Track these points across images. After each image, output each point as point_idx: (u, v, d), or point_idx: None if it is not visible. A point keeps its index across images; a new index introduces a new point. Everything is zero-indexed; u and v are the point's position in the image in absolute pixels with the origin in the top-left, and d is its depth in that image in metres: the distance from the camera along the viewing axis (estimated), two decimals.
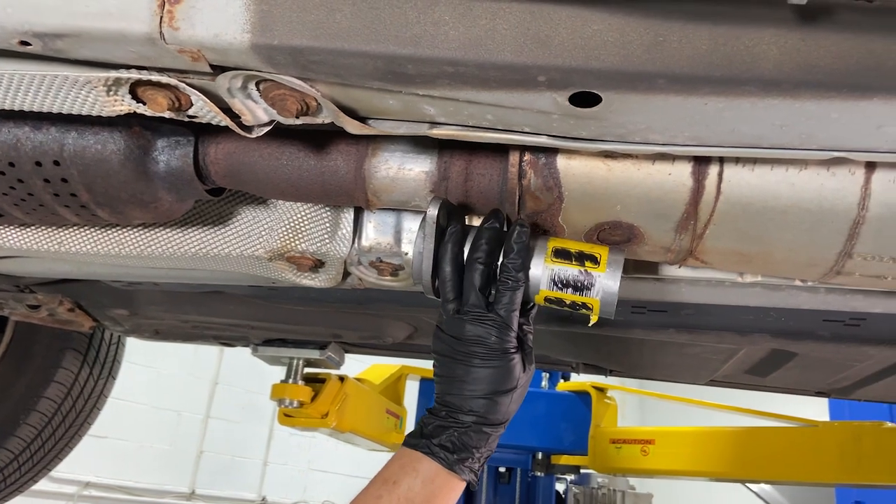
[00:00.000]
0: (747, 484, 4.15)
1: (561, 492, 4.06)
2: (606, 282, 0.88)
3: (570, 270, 0.89)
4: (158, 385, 6.60)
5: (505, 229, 0.92)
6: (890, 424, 2.67)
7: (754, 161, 0.77)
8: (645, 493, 4.24)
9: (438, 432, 0.90)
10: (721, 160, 0.78)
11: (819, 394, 1.76)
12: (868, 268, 0.86)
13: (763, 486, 4.72)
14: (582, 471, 3.85)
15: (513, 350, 0.90)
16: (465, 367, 0.89)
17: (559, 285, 0.89)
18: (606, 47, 0.61)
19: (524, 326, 0.95)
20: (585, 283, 0.88)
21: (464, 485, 0.91)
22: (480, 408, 0.89)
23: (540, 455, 3.59)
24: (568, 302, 0.90)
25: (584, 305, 0.90)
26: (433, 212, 0.89)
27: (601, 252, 0.89)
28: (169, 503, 6.91)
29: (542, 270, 0.90)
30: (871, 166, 0.76)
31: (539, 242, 0.91)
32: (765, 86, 0.62)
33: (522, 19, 0.61)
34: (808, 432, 2.80)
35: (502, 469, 3.67)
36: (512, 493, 3.63)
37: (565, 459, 3.57)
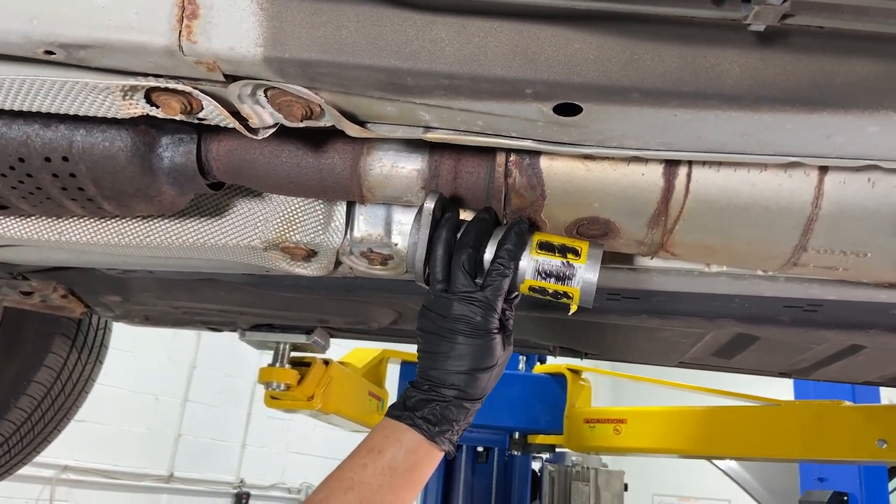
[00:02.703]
0: (714, 461, 4.30)
1: (537, 470, 4.18)
2: (586, 273, 0.95)
3: (554, 262, 0.96)
4: (136, 369, 6.59)
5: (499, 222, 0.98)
6: (848, 403, 2.80)
7: (719, 164, 0.84)
8: (617, 471, 4.38)
9: (421, 405, 0.95)
10: (689, 163, 0.85)
11: (781, 374, 1.85)
12: (821, 260, 0.94)
13: (729, 463, 4.89)
14: (557, 449, 3.96)
15: (495, 330, 0.96)
16: (449, 344, 0.95)
17: (543, 275, 0.96)
18: (587, 64, 0.68)
19: (507, 312, 1.01)
20: (567, 273, 0.95)
21: (442, 454, 0.97)
22: (461, 382, 0.95)
23: (517, 435, 3.68)
24: (550, 291, 0.97)
25: (565, 294, 0.97)
26: (430, 204, 0.95)
27: (582, 245, 0.96)
28: (148, 486, 6.93)
29: (527, 261, 0.96)
30: (823, 169, 0.84)
31: (527, 235, 0.98)
32: (727, 100, 0.69)
33: (512, 37, 0.68)
34: (771, 411, 2.93)
35: (480, 448, 3.76)
36: (490, 472, 3.73)
37: (541, 439, 3.67)
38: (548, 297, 0.99)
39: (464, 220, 0.99)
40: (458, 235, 0.97)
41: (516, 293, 1.01)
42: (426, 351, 0.98)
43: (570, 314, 1.03)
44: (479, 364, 0.95)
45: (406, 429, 0.94)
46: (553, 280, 0.96)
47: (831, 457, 2.80)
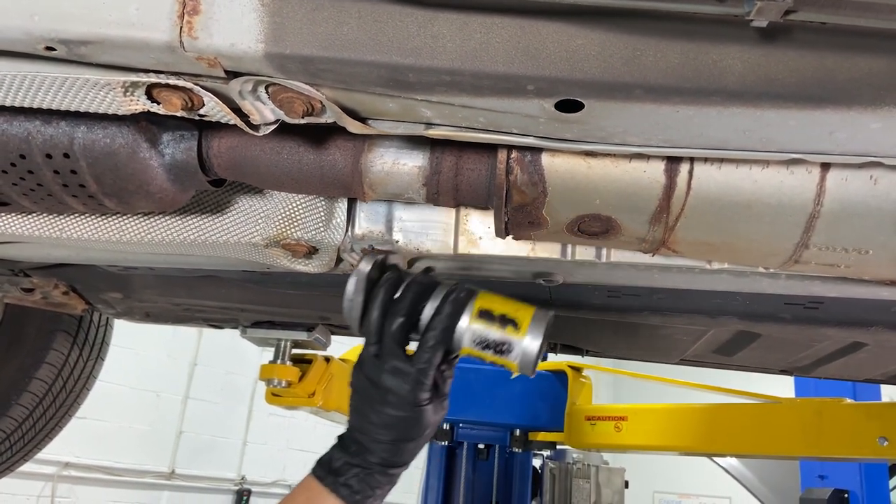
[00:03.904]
0: (714, 458, 4.30)
1: (538, 467, 4.18)
2: (525, 347, 0.93)
3: (492, 333, 0.93)
4: (138, 366, 6.60)
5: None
6: (849, 401, 2.80)
7: (721, 161, 0.84)
8: (618, 468, 4.38)
9: (345, 470, 0.96)
10: (691, 160, 0.84)
11: (782, 372, 1.85)
12: (823, 257, 0.94)
13: (730, 460, 4.90)
14: (558, 447, 3.96)
15: (425, 402, 0.95)
16: (377, 413, 0.94)
17: (480, 345, 0.94)
18: (589, 60, 0.68)
19: (444, 373, 0.99)
20: (504, 347, 0.93)
21: None
22: (386, 452, 0.95)
23: (518, 432, 3.68)
24: (488, 360, 0.95)
25: (503, 365, 0.95)
26: (365, 267, 0.96)
27: (524, 315, 0.94)
28: (149, 482, 6.94)
29: (465, 329, 0.94)
30: (825, 166, 0.83)
31: (468, 300, 0.96)
32: (729, 96, 0.68)
33: (514, 34, 0.67)
34: (772, 408, 2.93)
35: (481, 446, 3.76)
36: (490, 469, 3.73)
37: (542, 436, 3.67)
38: (488, 362, 0.97)
39: (407, 274, 0.98)
40: (395, 297, 0.96)
41: (455, 355, 0.99)
42: (356, 409, 0.98)
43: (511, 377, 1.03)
44: (406, 435, 0.96)
45: (328, 494, 0.96)
46: (490, 351, 0.94)
47: (832, 454, 2.80)
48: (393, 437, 0.95)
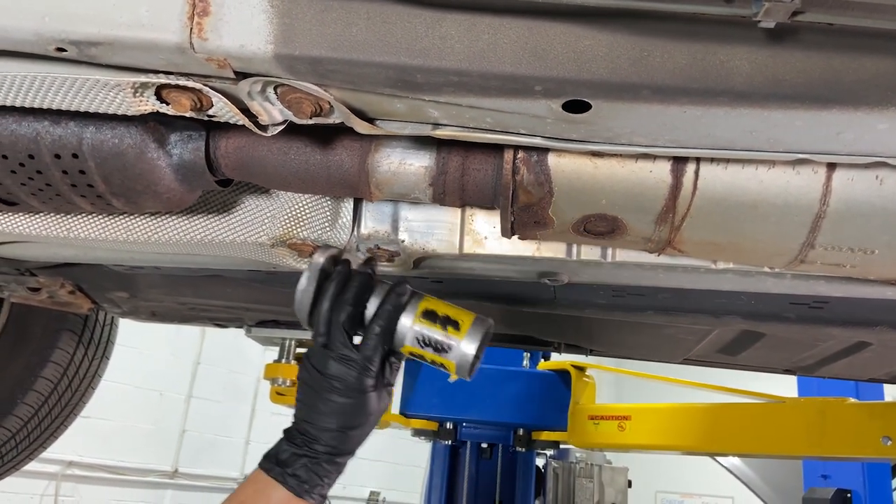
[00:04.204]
0: (717, 458, 4.30)
1: (541, 466, 4.19)
2: (463, 348, 0.98)
3: (434, 331, 0.99)
4: (141, 365, 6.61)
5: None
6: (853, 400, 2.80)
7: (727, 161, 0.84)
8: (621, 467, 4.38)
9: (293, 460, 0.98)
10: (697, 160, 0.85)
11: (786, 371, 1.85)
12: (828, 257, 0.94)
13: (732, 460, 4.89)
14: (561, 446, 3.97)
15: (370, 389, 0.98)
16: (324, 401, 0.98)
17: (421, 343, 0.99)
18: (597, 61, 0.68)
19: (393, 365, 1.03)
20: (444, 345, 0.98)
21: None
22: (332, 440, 0.98)
23: (521, 431, 3.69)
24: (428, 360, 1.00)
25: (442, 365, 1.00)
26: (319, 259, 1.00)
27: (465, 319, 0.99)
28: (152, 481, 6.96)
29: (408, 327, 0.99)
30: (831, 166, 0.84)
31: (413, 300, 1.01)
32: (737, 97, 0.69)
33: (521, 34, 0.68)
34: (775, 408, 2.93)
35: (485, 445, 3.76)
36: (494, 468, 3.73)
37: (546, 435, 3.68)
38: (428, 363, 1.01)
39: (357, 272, 1.02)
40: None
41: (399, 351, 1.03)
42: (303, 402, 1.01)
43: (448, 380, 1.07)
44: (351, 422, 0.99)
45: (276, 485, 0.97)
46: (430, 350, 0.99)
47: (836, 454, 2.80)
48: (339, 423, 0.98)
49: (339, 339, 0.98)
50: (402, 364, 1.08)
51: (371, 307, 1.00)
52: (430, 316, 0.99)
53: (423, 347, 0.99)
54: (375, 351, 0.98)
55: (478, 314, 1.02)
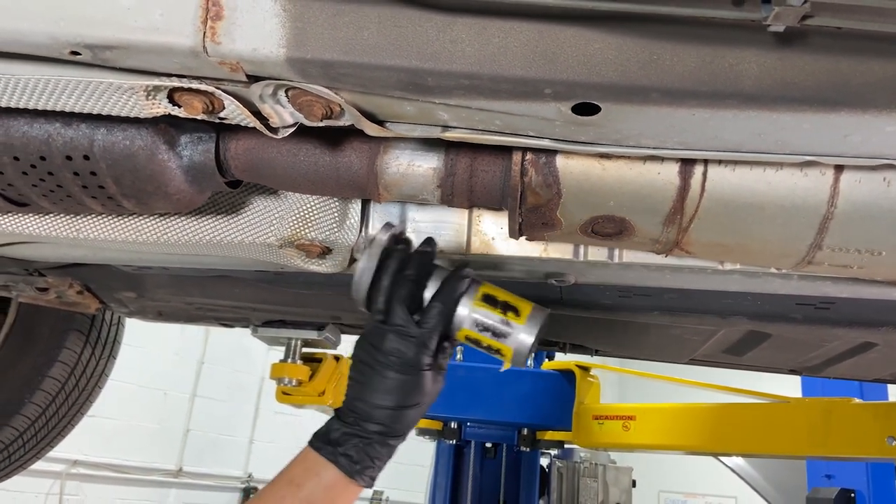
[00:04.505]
0: (720, 458, 4.30)
1: (545, 466, 4.19)
2: (522, 335, 0.97)
3: (493, 316, 0.98)
4: (146, 365, 6.63)
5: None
6: (857, 401, 2.80)
7: (735, 163, 0.84)
8: (625, 467, 4.38)
9: (344, 440, 0.95)
10: (705, 161, 0.85)
11: (792, 372, 1.85)
12: (836, 258, 0.95)
13: (736, 459, 4.89)
14: (566, 446, 3.97)
15: (426, 367, 0.97)
16: (380, 377, 0.95)
17: (480, 328, 0.98)
18: (606, 64, 0.68)
19: (446, 349, 1.02)
20: (504, 331, 0.97)
21: (361, 489, 0.98)
22: (386, 419, 0.96)
23: (525, 431, 3.68)
24: (485, 345, 0.99)
25: (498, 351, 0.98)
26: (383, 236, 0.99)
27: (526, 307, 0.98)
28: (157, 480, 6.98)
29: (468, 311, 0.98)
30: (839, 168, 0.84)
31: (472, 285, 1.00)
32: (745, 100, 0.69)
33: (532, 38, 0.68)
34: (780, 408, 2.92)
35: (489, 444, 3.76)
36: (498, 468, 3.73)
37: (550, 435, 3.67)
38: (480, 349, 1.01)
39: (416, 252, 1.01)
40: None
41: (453, 337, 1.02)
42: (356, 380, 0.99)
43: (500, 370, 1.06)
44: (406, 401, 0.96)
45: (326, 464, 0.95)
46: (489, 335, 0.98)
47: (840, 454, 2.80)
48: (394, 401, 0.96)
49: (400, 314, 0.96)
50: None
51: (431, 288, 0.99)
52: (489, 301, 0.98)
53: (481, 332, 0.98)
54: (435, 329, 0.96)
55: (536, 303, 1.00)
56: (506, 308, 0.97)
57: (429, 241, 1.02)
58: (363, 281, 0.99)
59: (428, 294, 0.99)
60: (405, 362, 0.95)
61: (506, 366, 1.01)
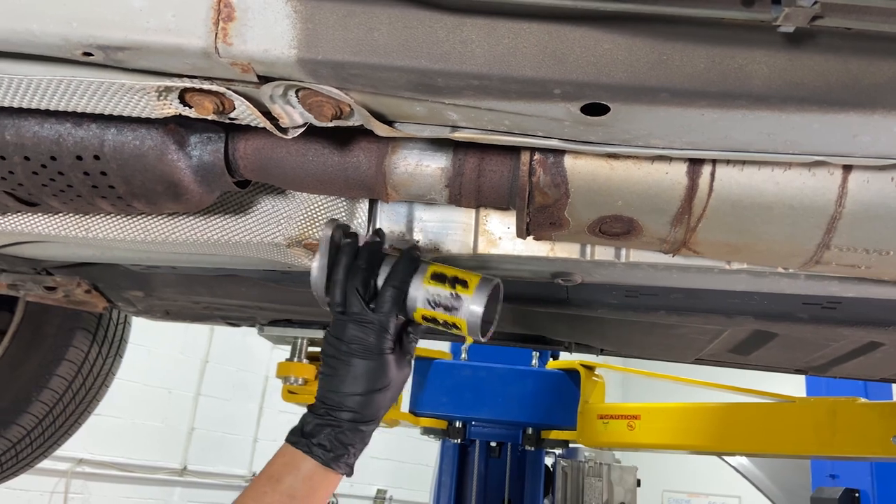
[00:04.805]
0: (724, 457, 4.30)
1: (550, 465, 4.19)
2: (472, 305, 0.99)
3: (443, 292, 1.00)
4: (150, 363, 6.65)
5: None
6: (863, 400, 2.79)
7: (743, 163, 0.84)
8: (630, 466, 4.38)
9: (317, 431, 1.00)
10: (714, 161, 0.85)
11: (797, 371, 1.85)
12: (844, 258, 0.95)
13: (740, 459, 4.88)
14: (570, 445, 3.97)
15: (388, 351, 1.01)
16: (345, 366, 1.00)
17: (432, 305, 1.01)
18: (616, 64, 0.69)
19: (410, 334, 1.06)
20: (454, 304, 1.00)
21: (340, 477, 1.02)
22: (356, 405, 1.00)
23: (530, 430, 3.69)
24: (441, 321, 1.02)
25: (454, 325, 1.01)
26: (328, 232, 1.02)
27: (473, 279, 1.01)
28: (161, 479, 6.99)
29: (420, 291, 1.01)
30: (847, 168, 0.84)
31: (421, 266, 1.03)
32: (755, 100, 0.69)
33: (541, 38, 0.68)
34: (785, 408, 2.92)
35: (493, 444, 3.77)
36: (503, 467, 3.74)
37: (555, 434, 3.68)
38: (440, 328, 1.04)
39: (368, 242, 1.05)
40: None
41: (414, 320, 1.06)
42: (325, 373, 1.03)
43: (464, 345, 1.09)
44: (373, 385, 1.01)
45: (303, 456, 0.99)
46: (442, 310, 1.01)
47: (846, 453, 2.80)
48: (362, 387, 1.00)
49: (356, 302, 1.00)
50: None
51: (383, 275, 1.03)
52: (439, 278, 1.01)
53: (434, 308, 1.01)
54: (390, 312, 1.00)
55: (483, 276, 1.03)
56: (454, 282, 1.01)
57: (377, 232, 1.06)
58: (319, 278, 1.03)
59: (381, 281, 1.03)
60: (367, 348, 1.00)
61: (468, 340, 1.04)
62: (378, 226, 1.16)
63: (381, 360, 1.00)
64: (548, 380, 3.70)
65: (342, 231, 1.05)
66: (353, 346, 1.00)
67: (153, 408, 6.92)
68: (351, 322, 1.00)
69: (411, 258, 1.02)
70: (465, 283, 1.00)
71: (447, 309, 1.00)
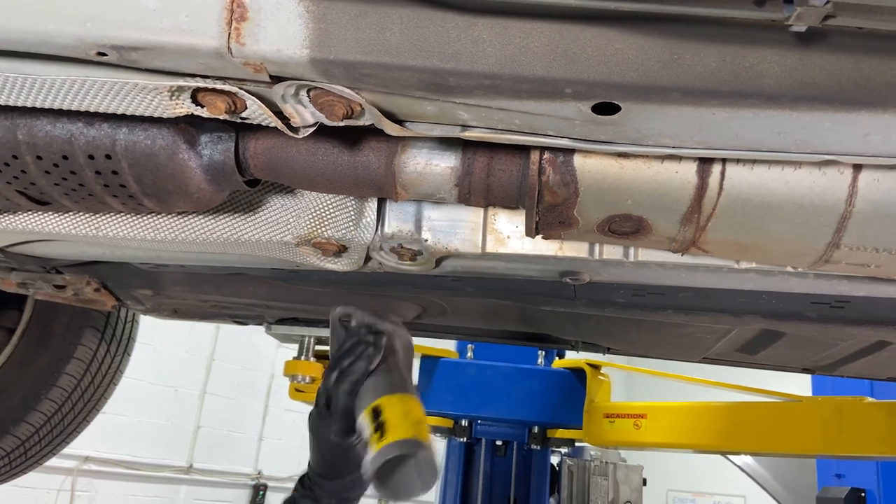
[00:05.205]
0: (729, 457, 4.29)
1: (556, 464, 4.19)
2: (368, 457, 1.04)
3: (365, 430, 1.08)
4: (156, 362, 6.67)
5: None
6: (870, 399, 2.79)
7: (754, 162, 0.84)
8: (636, 465, 4.38)
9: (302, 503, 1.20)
10: (724, 160, 0.85)
11: (805, 370, 1.85)
12: (853, 257, 0.95)
13: (745, 458, 4.88)
14: (576, 444, 3.97)
15: (345, 444, 1.15)
16: (313, 451, 1.21)
17: (359, 428, 1.10)
18: (627, 63, 0.69)
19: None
20: (365, 445, 1.07)
21: None
22: (332, 486, 1.18)
23: (536, 429, 3.69)
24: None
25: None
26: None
27: (393, 435, 1.04)
28: (167, 477, 7.02)
29: (359, 414, 1.11)
30: (857, 167, 0.84)
31: (379, 391, 1.14)
32: (766, 99, 0.69)
33: (552, 38, 0.69)
34: (792, 407, 2.92)
35: (499, 442, 3.77)
36: (508, 466, 3.74)
37: (560, 433, 3.68)
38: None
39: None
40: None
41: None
42: (310, 451, 1.24)
43: None
44: (340, 471, 1.19)
45: None
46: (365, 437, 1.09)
47: (852, 453, 2.79)
48: (330, 472, 1.18)
49: (321, 399, 1.18)
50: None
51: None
52: (373, 413, 1.09)
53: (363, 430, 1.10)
54: (337, 414, 1.15)
55: (415, 436, 1.06)
56: (378, 427, 1.07)
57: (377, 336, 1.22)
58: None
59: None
60: (321, 439, 1.18)
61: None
62: (387, 224, 1.16)
63: (338, 451, 1.17)
64: (554, 379, 3.70)
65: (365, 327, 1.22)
66: (313, 436, 1.20)
67: (159, 406, 6.95)
68: (314, 414, 1.20)
69: (362, 393, 1.15)
70: (383, 433, 1.05)
71: (363, 445, 1.08)
